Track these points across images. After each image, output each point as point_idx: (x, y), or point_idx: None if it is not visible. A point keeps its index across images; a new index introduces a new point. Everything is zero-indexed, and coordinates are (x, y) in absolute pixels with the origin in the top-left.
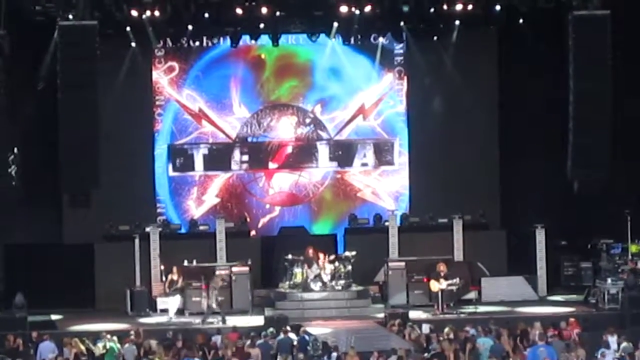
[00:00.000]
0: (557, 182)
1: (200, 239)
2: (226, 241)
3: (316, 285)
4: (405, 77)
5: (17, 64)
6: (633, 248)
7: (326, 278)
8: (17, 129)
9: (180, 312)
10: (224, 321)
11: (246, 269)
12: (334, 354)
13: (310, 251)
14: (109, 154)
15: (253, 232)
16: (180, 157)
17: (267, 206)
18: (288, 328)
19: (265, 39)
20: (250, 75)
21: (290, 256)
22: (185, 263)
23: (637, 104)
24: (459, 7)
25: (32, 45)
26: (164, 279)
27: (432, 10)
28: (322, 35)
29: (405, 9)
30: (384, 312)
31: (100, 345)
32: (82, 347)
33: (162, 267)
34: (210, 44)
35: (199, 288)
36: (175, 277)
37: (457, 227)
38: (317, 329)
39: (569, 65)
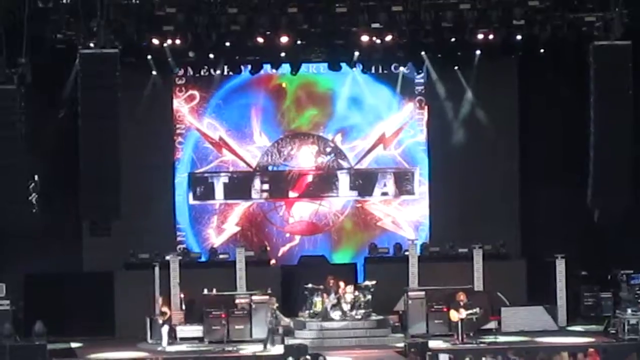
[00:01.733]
0: (577, 212)
1: (220, 268)
2: (246, 270)
3: (336, 315)
4: (426, 107)
5: (39, 92)
6: None
7: (346, 307)
8: (38, 156)
9: (200, 340)
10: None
11: (266, 297)
12: None
13: (331, 280)
14: (130, 182)
15: (273, 261)
16: (201, 185)
17: (287, 235)
18: (308, 357)
19: (286, 68)
20: (270, 104)
21: (310, 285)
22: (205, 292)
23: None
24: (480, 36)
25: (53, 73)
26: (183, 307)
27: (452, 39)
28: (343, 65)
29: (427, 40)
30: (403, 341)
31: None
32: None
33: (182, 296)
34: (231, 72)
35: (219, 317)
36: (163, 308)
37: (477, 256)
38: (337, 358)
39: (590, 95)
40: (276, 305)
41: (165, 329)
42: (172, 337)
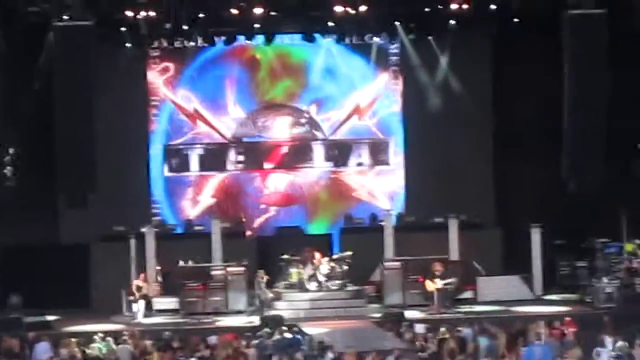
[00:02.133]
0: (553, 182)
1: (195, 239)
2: (222, 241)
3: (312, 285)
4: (401, 77)
5: (14, 64)
6: (628, 247)
7: (322, 278)
8: (13, 129)
9: (176, 312)
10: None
11: (242, 269)
12: (330, 354)
13: (306, 251)
14: (105, 154)
15: (249, 232)
16: (176, 157)
17: (263, 206)
18: (284, 328)
19: (260, 39)
20: (245, 75)
21: (286, 256)
22: (181, 263)
23: (632, 103)
24: (453, 6)
25: (28, 45)
26: (159, 279)
27: (426, 9)
28: (317, 36)
29: (401, 10)
30: (379, 312)
31: (95, 346)
32: (77, 349)
33: (158, 268)
34: (205, 44)
35: (195, 288)
36: (140, 283)
37: (453, 226)
38: (313, 329)
39: (565, 64)
40: (266, 278)
41: (141, 303)
42: (149, 309)
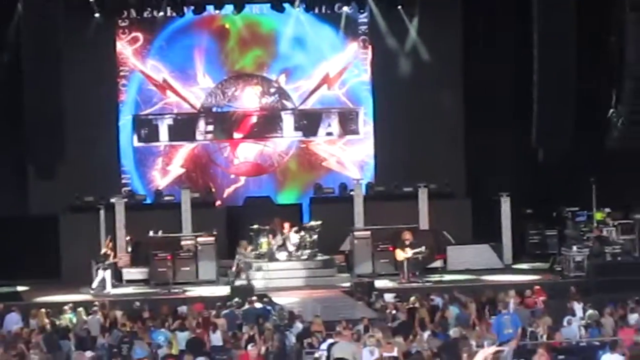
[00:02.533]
0: (522, 151)
1: (165, 210)
2: (191, 211)
3: (282, 255)
4: (370, 46)
5: None
6: (598, 215)
7: (292, 248)
8: None
9: (146, 282)
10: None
11: (212, 239)
12: (300, 324)
13: (276, 221)
14: (74, 125)
15: (218, 202)
16: (145, 127)
17: (232, 176)
18: (254, 298)
19: (229, 9)
20: (214, 45)
21: (255, 226)
22: (151, 233)
23: (599, 72)
24: None
25: None
26: (129, 249)
27: None
28: (286, 5)
29: None
30: (349, 281)
31: (65, 316)
32: (47, 320)
33: (128, 238)
34: (174, 14)
35: (165, 259)
36: (107, 251)
37: (423, 195)
38: (283, 299)
39: (534, 34)
40: (250, 248)
41: (108, 273)
42: (118, 280)
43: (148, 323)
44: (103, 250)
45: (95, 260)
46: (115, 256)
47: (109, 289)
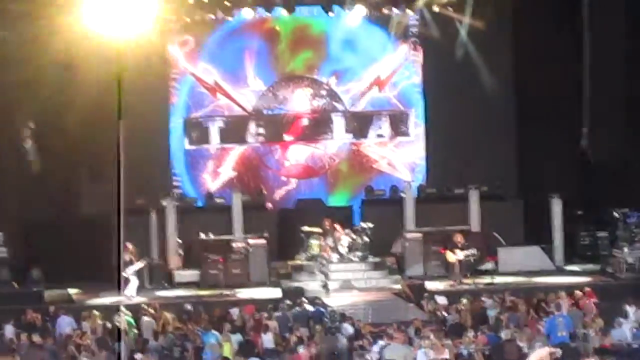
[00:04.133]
0: (574, 152)
1: (216, 212)
2: (242, 214)
3: (333, 257)
4: (421, 48)
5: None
6: None
7: (343, 250)
8: (34, 103)
9: (197, 285)
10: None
11: (263, 241)
12: (350, 326)
13: (327, 223)
14: (126, 128)
15: (269, 205)
16: (196, 130)
17: (283, 178)
18: (305, 300)
19: (279, 11)
20: (265, 47)
21: (306, 228)
22: (202, 236)
23: None
24: None
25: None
26: (180, 252)
27: None
28: (337, 7)
29: None
30: (400, 283)
31: (118, 319)
32: (99, 322)
33: (179, 241)
34: (225, 16)
35: (216, 261)
36: (130, 257)
37: (474, 197)
38: (334, 301)
39: (585, 35)
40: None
41: (134, 280)
42: (169, 282)
43: (199, 325)
44: (128, 257)
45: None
46: (138, 260)
47: (133, 293)
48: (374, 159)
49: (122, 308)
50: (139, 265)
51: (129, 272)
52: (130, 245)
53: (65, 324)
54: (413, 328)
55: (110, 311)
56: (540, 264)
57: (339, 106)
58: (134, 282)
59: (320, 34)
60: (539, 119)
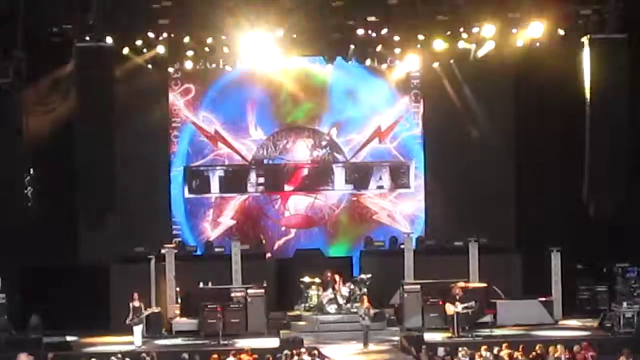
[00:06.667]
0: (573, 206)
1: (215, 261)
2: (241, 263)
3: (331, 308)
4: (422, 100)
5: (34, 85)
6: None
7: (342, 300)
8: (34, 149)
9: (195, 333)
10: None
11: (262, 291)
12: None
13: (327, 274)
14: (126, 175)
15: (268, 255)
16: (196, 179)
17: (283, 228)
18: (303, 350)
19: (282, 62)
20: (266, 97)
21: (305, 278)
22: (201, 285)
23: None
24: (474, 30)
25: (49, 66)
26: (179, 300)
27: (448, 33)
28: (339, 58)
29: (421, 37)
30: (399, 334)
31: None
32: None
33: (178, 289)
34: (226, 66)
35: (215, 310)
36: (137, 304)
37: (473, 250)
38: (332, 351)
39: (586, 89)
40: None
41: (138, 327)
42: (168, 331)
43: None
44: (137, 304)
45: (130, 318)
46: (146, 308)
47: (139, 344)
48: (373, 210)
49: (117, 356)
50: (147, 312)
51: (135, 321)
52: (136, 295)
53: None
54: None
55: (108, 358)
56: (539, 318)
57: (340, 157)
58: (139, 331)
59: (322, 84)
60: (539, 172)
